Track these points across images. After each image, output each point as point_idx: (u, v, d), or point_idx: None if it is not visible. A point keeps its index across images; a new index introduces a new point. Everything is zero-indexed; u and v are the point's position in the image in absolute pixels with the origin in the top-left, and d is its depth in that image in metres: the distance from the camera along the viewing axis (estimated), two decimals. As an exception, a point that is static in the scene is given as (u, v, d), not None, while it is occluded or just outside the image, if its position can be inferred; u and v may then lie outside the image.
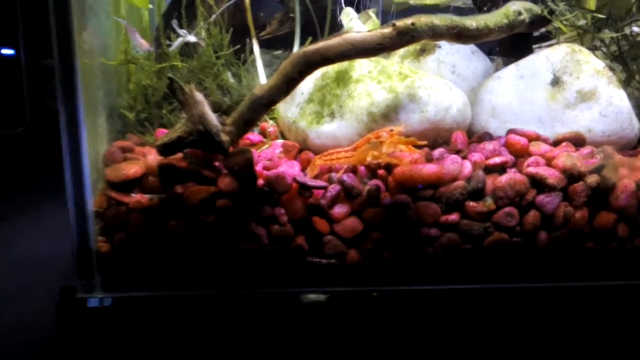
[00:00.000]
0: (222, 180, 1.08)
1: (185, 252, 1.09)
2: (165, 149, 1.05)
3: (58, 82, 0.95)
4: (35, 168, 2.47)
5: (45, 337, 1.17)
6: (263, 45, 1.66)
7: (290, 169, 1.15)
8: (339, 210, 1.12)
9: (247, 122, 1.07)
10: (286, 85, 1.05)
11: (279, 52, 1.75)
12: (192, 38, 1.32)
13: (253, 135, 1.34)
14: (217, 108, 1.22)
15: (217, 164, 1.12)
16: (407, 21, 1.06)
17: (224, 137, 1.05)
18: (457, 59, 1.40)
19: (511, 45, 1.44)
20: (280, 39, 1.77)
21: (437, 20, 1.10)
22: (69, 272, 1.35)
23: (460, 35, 1.14)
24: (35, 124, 2.60)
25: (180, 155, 1.08)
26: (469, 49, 1.41)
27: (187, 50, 1.38)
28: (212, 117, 1.04)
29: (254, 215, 1.09)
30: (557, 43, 1.38)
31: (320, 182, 1.12)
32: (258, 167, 1.16)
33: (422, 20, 1.08)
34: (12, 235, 1.73)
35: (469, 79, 1.39)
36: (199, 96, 1.04)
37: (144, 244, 1.07)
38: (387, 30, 1.05)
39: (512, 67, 1.33)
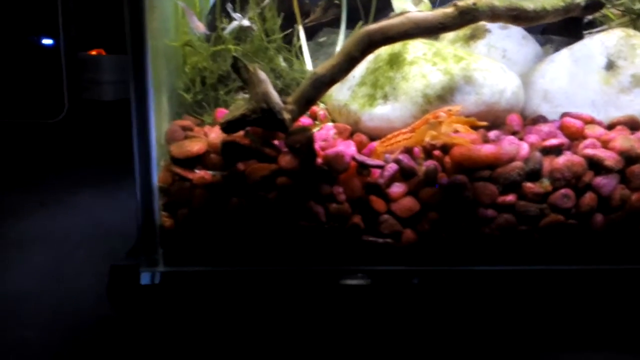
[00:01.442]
0: (282, 158, 1.10)
1: (245, 229, 1.11)
2: (229, 127, 1.07)
3: (130, 61, 0.98)
4: (71, 157, 2.52)
5: (100, 314, 1.20)
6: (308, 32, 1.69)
7: (348, 149, 1.16)
8: (396, 189, 1.13)
9: (308, 100, 1.09)
10: (347, 64, 1.06)
11: (323, 39, 1.77)
12: (246, 22, 1.34)
13: (304, 119, 1.35)
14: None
15: (276, 142, 1.14)
16: (469, 1, 1.07)
17: (286, 116, 1.07)
18: (508, 44, 1.40)
19: (561, 29, 1.44)
20: (324, 26, 1.80)
21: (497, 1, 1.10)
22: (113, 253, 1.37)
23: (518, 17, 1.14)
24: (73, 115, 2.65)
25: (241, 133, 1.11)
26: (519, 33, 1.41)
27: (239, 34, 1.40)
28: (275, 96, 1.06)
29: (312, 193, 1.11)
30: (610, 28, 1.38)
31: (378, 161, 1.13)
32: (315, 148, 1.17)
33: (483, 1, 1.08)
34: (53, 220, 1.78)
35: (520, 64, 1.39)
36: (262, 75, 1.06)
37: (206, 219, 1.09)
38: (449, 9, 1.06)
39: (565, 51, 1.32)
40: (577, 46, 1.32)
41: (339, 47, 1.63)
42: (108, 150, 2.64)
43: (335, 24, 1.71)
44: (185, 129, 1.18)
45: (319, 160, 1.12)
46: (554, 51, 1.41)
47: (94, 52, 2.79)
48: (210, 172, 1.09)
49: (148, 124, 1.03)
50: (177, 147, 1.10)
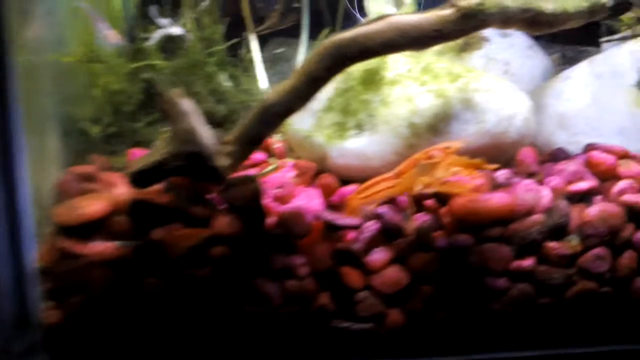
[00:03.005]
0: (219, 220, 0.81)
1: (167, 320, 0.80)
2: (140, 178, 0.76)
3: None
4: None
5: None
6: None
7: (311, 202, 0.87)
8: (378, 256, 0.84)
9: (255, 138, 0.80)
10: (309, 88, 0.77)
11: (281, 49, 1.49)
12: (176, 30, 1.03)
13: (256, 154, 1.05)
14: (208, 119, 0.94)
15: (210, 197, 0.83)
16: (473, 1, 0.78)
17: (223, 161, 0.76)
18: (510, 55, 1.17)
19: (572, 36, 1.19)
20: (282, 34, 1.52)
21: (509, 1, 0.82)
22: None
23: (534, 22, 0.87)
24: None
25: (160, 186, 0.80)
26: (524, 42, 1.17)
27: (170, 45, 1.09)
28: (205, 134, 0.76)
29: (262, 267, 0.82)
30: (638, 35, 1.14)
31: (352, 220, 0.84)
32: (267, 200, 0.87)
33: (491, 0, 0.80)
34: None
35: (525, 80, 1.15)
36: (187, 105, 0.76)
37: (109, 309, 0.78)
38: (447, 11, 0.77)
39: (584, 65, 1.09)
40: (600, 58, 1.09)
41: (300, 60, 1.35)
42: None
43: (293, 31, 1.43)
44: (84, 178, 0.86)
45: (271, 220, 0.81)
46: (565, 64, 1.16)
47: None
48: (116, 243, 0.78)
49: (16, 178, 0.70)
50: (65, 209, 0.77)
